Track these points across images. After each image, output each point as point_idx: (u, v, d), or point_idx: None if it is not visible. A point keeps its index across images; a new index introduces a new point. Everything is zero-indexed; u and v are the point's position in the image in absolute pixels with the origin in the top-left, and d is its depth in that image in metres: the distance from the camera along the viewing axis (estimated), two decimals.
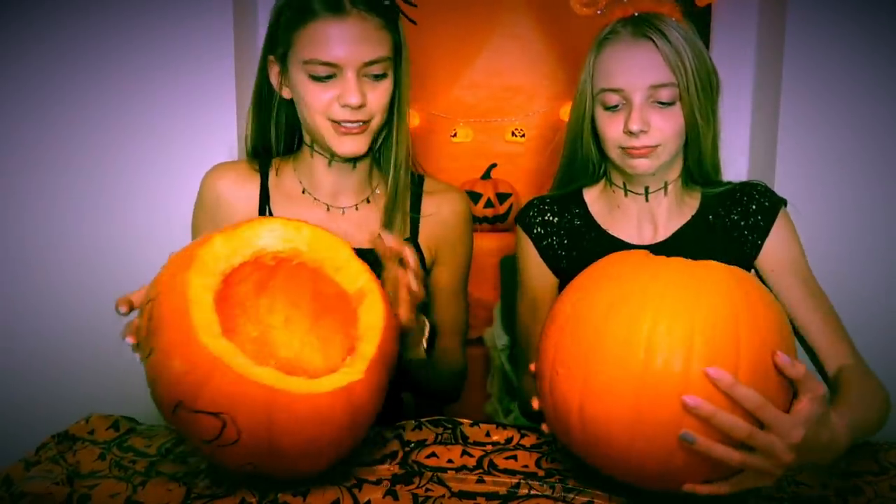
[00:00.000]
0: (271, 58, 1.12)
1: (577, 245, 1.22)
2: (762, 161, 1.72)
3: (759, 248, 1.16)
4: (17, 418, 1.65)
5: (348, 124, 1.08)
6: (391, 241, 0.92)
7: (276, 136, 1.18)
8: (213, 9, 1.63)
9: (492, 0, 2.05)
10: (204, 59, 1.64)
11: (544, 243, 1.24)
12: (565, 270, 1.23)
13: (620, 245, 1.19)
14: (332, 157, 1.14)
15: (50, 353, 1.68)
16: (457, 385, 1.29)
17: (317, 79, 1.06)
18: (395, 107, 1.14)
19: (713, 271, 0.80)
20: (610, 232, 1.21)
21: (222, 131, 1.63)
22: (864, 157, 1.64)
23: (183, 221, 1.22)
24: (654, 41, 1.09)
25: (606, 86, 1.11)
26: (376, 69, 1.07)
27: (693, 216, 1.19)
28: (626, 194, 1.19)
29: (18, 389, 1.68)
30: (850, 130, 1.63)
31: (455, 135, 2.03)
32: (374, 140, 1.15)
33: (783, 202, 1.19)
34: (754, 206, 1.18)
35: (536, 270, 1.26)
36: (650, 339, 0.74)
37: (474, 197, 1.92)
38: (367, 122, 1.09)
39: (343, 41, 1.05)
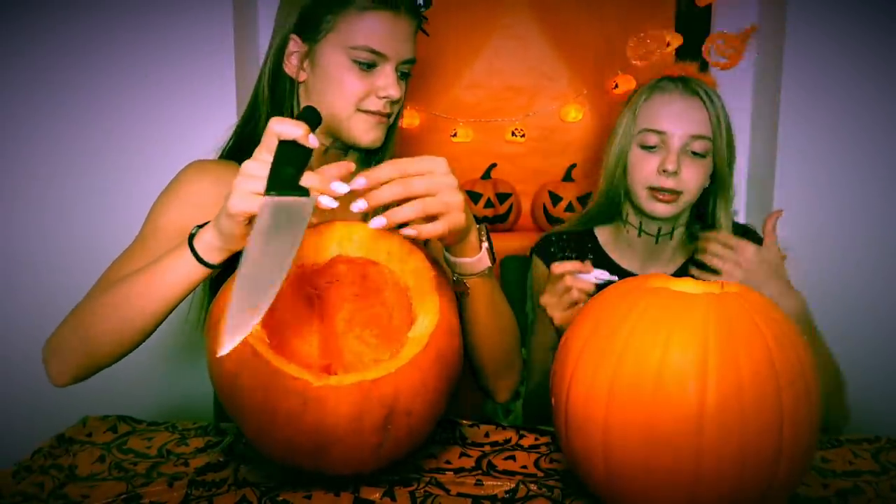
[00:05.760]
0: (295, 36, 1.12)
1: None
2: (762, 161, 1.71)
3: None
4: (13, 421, 1.66)
5: (380, 116, 1.12)
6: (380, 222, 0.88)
7: None
8: (213, 9, 1.63)
9: (492, 0, 2.04)
10: (204, 60, 1.64)
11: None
12: None
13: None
14: (331, 144, 1.16)
15: None
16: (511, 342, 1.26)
17: (359, 65, 1.09)
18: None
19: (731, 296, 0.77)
20: (621, 265, 1.35)
21: (223, 131, 1.63)
22: (865, 156, 1.64)
23: None
24: (702, 100, 1.25)
25: (650, 126, 1.25)
26: (407, 68, 1.13)
27: (693, 255, 1.30)
28: (639, 234, 1.32)
29: (15, 392, 1.68)
30: (850, 130, 1.63)
31: (455, 135, 2.02)
32: None
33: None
34: None
35: None
36: (668, 363, 0.71)
37: (474, 197, 1.91)
38: (389, 117, 1.14)
39: (395, 36, 1.09)
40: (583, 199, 1.88)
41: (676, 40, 1.82)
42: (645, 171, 1.25)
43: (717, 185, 1.30)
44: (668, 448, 0.69)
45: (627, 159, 1.28)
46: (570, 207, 1.88)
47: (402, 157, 1.19)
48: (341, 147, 1.16)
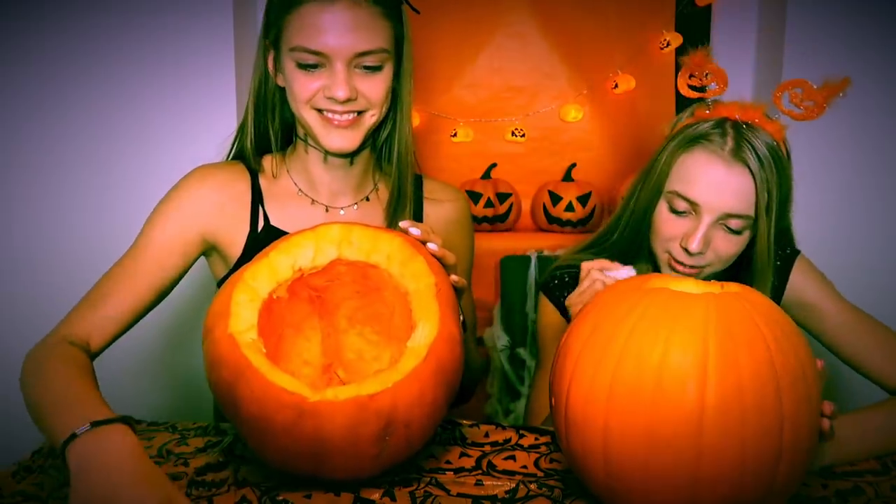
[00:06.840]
0: (266, 42, 1.06)
1: None
2: None
3: (779, 302, 1.13)
4: (13, 421, 1.65)
5: (336, 116, 1.01)
6: (416, 232, 0.88)
7: (274, 131, 1.11)
8: (213, 9, 1.63)
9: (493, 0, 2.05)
10: (203, 60, 1.64)
11: (570, 314, 1.14)
12: None
13: None
14: (326, 152, 1.08)
15: None
16: (477, 380, 1.27)
17: (304, 67, 1.00)
18: (396, 102, 1.08)
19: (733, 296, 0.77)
20: None
21: (222, 132, 1.63)
22: (864, 155, 1.64)
23: None
24: (750, 169, 1.02)
25: (683, 192, 1.05)
26: (369, 61, 1.00)
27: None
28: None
29: (15, 392, 1.68)
30: (849, 129, 1.63)
31: (455, 135, 2.02)
32: (375, 136, 1.10)
33: (796, 253, 1.17)
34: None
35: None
36: (668, 364, 0.70)
37: (474, 197, 1.92)
38: (360, 114, 1.03)
39: (332, 29, 0.97)
40: (583, 199, 1.89)
41: (676, 40, 1.82)
42: (667, 234, 1.07)
43: (753, 270, 1.09)
44: (668, 448, 0.69)
45: (653, 213, 1.09)
46: (570, 207, 1.88)
47: (417, 162, 1.15)
48: (335, 154, 1.08)
